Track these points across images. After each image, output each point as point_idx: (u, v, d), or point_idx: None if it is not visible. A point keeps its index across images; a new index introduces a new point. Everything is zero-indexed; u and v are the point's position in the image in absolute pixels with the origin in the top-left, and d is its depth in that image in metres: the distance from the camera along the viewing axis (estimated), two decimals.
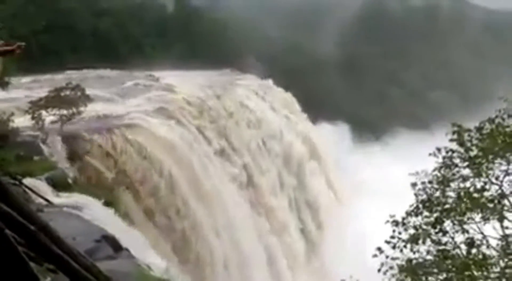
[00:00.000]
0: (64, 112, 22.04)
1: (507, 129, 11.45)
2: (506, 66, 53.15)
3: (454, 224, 11.15)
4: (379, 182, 43.18)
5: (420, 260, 11.16)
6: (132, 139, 22.26)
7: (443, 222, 11.00)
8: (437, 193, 11.77)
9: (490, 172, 11.57)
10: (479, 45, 69.44)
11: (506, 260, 10.75)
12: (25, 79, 35.18)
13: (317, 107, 52.98)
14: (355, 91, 66.08)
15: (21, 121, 21.08)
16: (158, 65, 46.87)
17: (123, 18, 60.99)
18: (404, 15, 79.76)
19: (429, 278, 10.88)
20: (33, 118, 21.31)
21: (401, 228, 11.27)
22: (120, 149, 21.44)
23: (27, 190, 13.66)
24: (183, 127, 27.34)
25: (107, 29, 58.02)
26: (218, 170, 28.99)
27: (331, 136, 54.21)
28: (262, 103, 42.60)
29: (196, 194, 23.99)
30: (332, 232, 39.02)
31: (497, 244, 11.08)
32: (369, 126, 61.53)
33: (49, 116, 21.75)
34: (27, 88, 31.01)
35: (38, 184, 15.13)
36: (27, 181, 14.69)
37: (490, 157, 11.45)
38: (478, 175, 11.57)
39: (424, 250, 11.21)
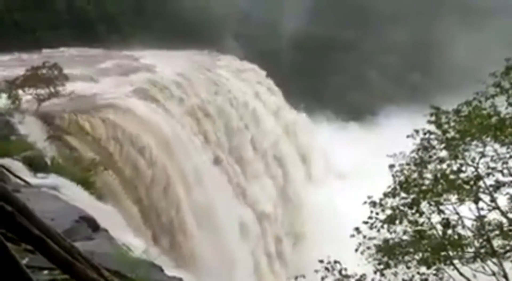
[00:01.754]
0: (41, 91, 21.74)
1: (484, 112, 11.59)
2: (490, 49, 53.03)
3: (430, 205, 11.32)
4: (359, 164, 43.52)
5: (397, 240, 11.35)
6: (111, 119, 22.07)
7: (420, 203, 11.16)
8: (414, 175, 11.92)
9: (466, 154, 11.73)
10: (461, 27, 69.23)
11: (480, 240, 10.98)
12: (1, 58, 34.55)
13: (292, 88, 52.86)
14: (333, 73, 65.85)
15: None
16: (136, 44, 46.26)
17: None
18: None
19: (406, 257, 11.07)
20: (9, 97, 20.95)
21: (378, 209, 11.42)
22: (98, 129, 21.25)
23: (3, 170, 13.45)
24: (162, 108, 27.17)
25: (83, 6, 56.99)
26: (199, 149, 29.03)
27: (311, 119, 54.32)
28: (243, 85, 42.50)
29: (178, 174, 24.02)
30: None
31: (472, 225, 11.29)
32: (349, 109, 61.59)
33: (26, 96, 21.41)
34: (3, 66, 30.41)
35: (14, 165, 14.90)
36: (4, 161, 14.46)
37: (467, 139, 11.59)
38: (454, 157, 11.72)
39: (401, 230, 11.38)
